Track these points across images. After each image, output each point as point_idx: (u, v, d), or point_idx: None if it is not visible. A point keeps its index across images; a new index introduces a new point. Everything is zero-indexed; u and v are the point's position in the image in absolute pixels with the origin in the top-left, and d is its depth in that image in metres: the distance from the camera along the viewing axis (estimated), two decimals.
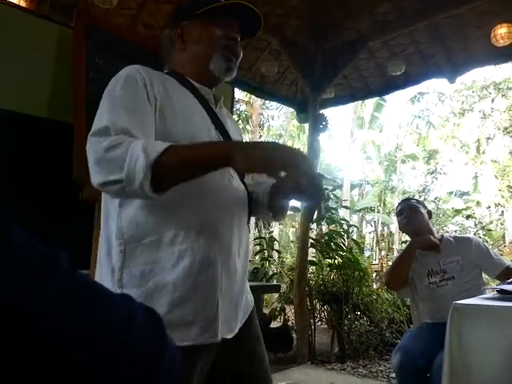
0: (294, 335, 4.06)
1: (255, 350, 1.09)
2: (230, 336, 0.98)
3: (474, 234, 9.11)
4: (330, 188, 4.96)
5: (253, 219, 7.12)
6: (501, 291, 1.62)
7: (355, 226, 5.67)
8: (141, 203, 0.90)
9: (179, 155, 0.82)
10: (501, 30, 3.60)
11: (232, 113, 3.21)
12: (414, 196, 12.04)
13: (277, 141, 16.20)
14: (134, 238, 0.89)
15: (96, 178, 0.84)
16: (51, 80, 1.95)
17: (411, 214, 2.35)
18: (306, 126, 5.15)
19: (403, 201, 2.55)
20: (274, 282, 5.28)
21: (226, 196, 0.98)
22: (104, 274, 0.93)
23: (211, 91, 1.10)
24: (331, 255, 4.24)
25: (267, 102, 13.16)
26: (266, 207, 1.12)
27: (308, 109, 4.32)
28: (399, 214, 2.43)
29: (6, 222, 0.30)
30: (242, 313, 1.05)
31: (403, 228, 2.48)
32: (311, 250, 4.61)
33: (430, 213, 2.44)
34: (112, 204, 0.94)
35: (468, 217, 12.51)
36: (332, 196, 4.62)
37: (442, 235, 2.39)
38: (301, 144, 15.93)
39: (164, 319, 0.89)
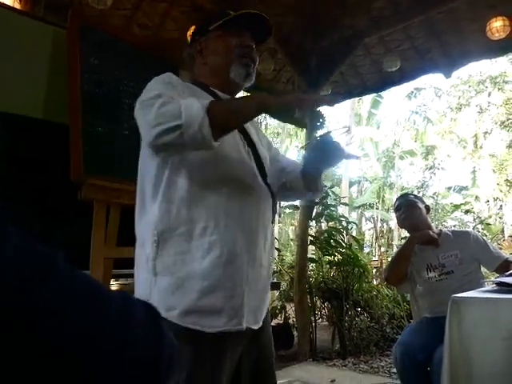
0: (295, 333, 4.07)
1: (269, 344, 1.17)
2: (255, 327, 1.05)
3: (473, 229, 9.11)
4: (329, 185, 4.96)
5: None
6: (500, 284, 1.62)
7: (354, 223, 5.68)
8: (173, 197, 0.98)
9: (226, 104, 0.98)
10: (496, 23, 3.60)
11: None
12: (412, 192, 12.05)
13: (274, 139, 16.20)
14: (166, 230, 0.97)
15: (154, 131, 0.90)
16: (46, 81, 1.94)
17: (409, 209, 2.35)
18: None
19: (401, 196, 2.56)
20: (274, 280, 5.28)
21: (252, 193, 1.06)
22: (139, 262, 1.02)
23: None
24: (331, 252, 4.24)
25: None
26: (302, 188, 1.24)
27: None
28: (397, 209, 2.44)
29: (3, 222, 0.30)
30: (267, 307, 1.13)
31: (401, 223, 2.48)
32: (311, 248, 4.61)
33: (427, 208, 2.44)
34: (148, 196, 1.02)
35: (467, 211, 12.53)
36: (331, 193, 4.62)
37: (441, 230, 2.39)
38: (299, 142, 15.93)
39: (195, 306, 0.91)
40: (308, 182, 1.24)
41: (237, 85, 1.18)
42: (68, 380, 0.31)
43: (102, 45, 2.07)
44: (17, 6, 2.80)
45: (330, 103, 1.00)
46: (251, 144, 1.14)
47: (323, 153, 1.15)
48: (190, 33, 1.40)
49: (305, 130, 4.46)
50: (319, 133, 1.18)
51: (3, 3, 2.44)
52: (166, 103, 0.91)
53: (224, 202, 1.00)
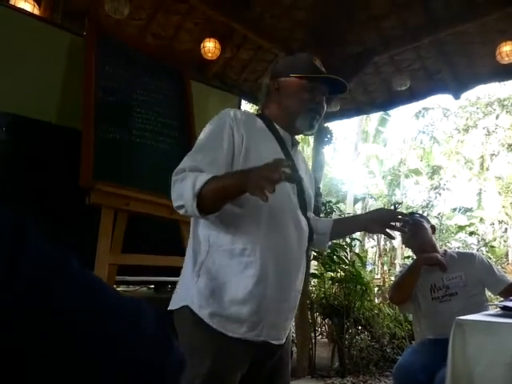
0: (294, 348, 4.03)
1: (287, 360, 1.28)
2: (275, 342, 1.16)
3: (477, 251, 9.04)
4: (334, 201, 4.96)
5: None
6: (504, 308, 1.61)
7: (358, 240, 5.65)
8: (221, 220, 1.12)
9: (212, 186, 1.03)
10: (505, 48, 3.63)
11: None
12: (417, 211, 11.99)
13: None
14: (215, 244, 1.13)
15: (173, 204, 1.10)
16: (61, 86, 1.98)
17: (415, 228, 2.34)
18: (311, 138, 5.17)
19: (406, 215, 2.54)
20: None
21: (289, 224, 1.18)
22: (187, 264, 1.18)
23: (291, 137, 1.31)
24: (333, 268, 4.21)
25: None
26: (326, 239, 1.39)
27: None
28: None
29: (25, 225, 0.31)
30: (290, 326, 1.26)
31: (407, 243, 2.47)
32: (313, 263, 4.59)
33: (433, 228, 2.43)
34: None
35: (471, 233, 12.43)
36: (335, 209, 4.62)
37: (446, 250, 2.38)
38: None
39: (224, 312, 1.05)
40: (335, 237, 1.45)
41: (299, 131, 1.32)
42: (73, 379, 0.31)
43: (117, 53, 2.10)
44: (36, 12, 2.87)
45: (291, 180, 0.99)
46: (298, 180, 1.25)
47: (389, 221, 1.31)
48: (274, 64, 1.47)
49: (312, 145, 4.48)
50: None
51: (23, 9, 2.50)
52: (179, 181, 1.08)
53: (263, 229, 1.13)
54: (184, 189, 1.05)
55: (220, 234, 1.14)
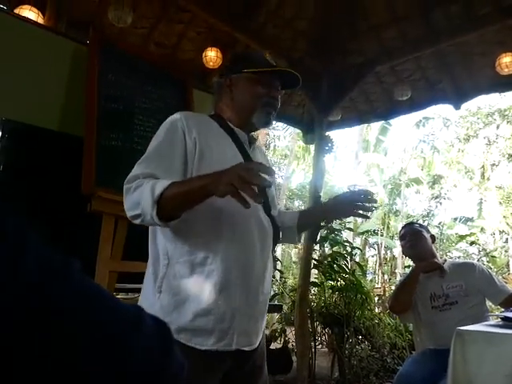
0: (294, 357, 4.00)
1: (262, 364, 1.24)
2: (248, 349, 1.13)
3: (478, 261, 9.01)
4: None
5: None
6: (505, 318, 1.61)
7: (358, 249, 5.64)
8: (180, 230, 1.09)
9: (173, 191, 0.99)
10: (505, 59, 3.65)
11: None
12: (417, 220, 11.98)
13: (282, 161, 16.28)
14: (174, 256, 1.09)
15: (127, 213, 1.07)
16: (64, 94, 1.99)
17: (415, 238, 2.34)
18: (312, 147, 5.19)
19: (406, 225, 2.55)
20: (276, 303, 5.23)
21: (251, 226, 1.15)
22: (148, 280, 1.15)
23: (246, 135, 1.27)
24: (334, 277, 4.20)
25: (274, 122, 13.25)
26: (294, 231, 1.35)
27: (314, 130, 4.36)
28: (402, 238, 2.43)
29: (25, 227, 0.32)
30: (262, 329, 1.21)
31: (406, 252, 2.47)
32: (313, 271, 4.57)
33: (433, 237, 2.43)
34: (157, 227, 1.13)
35: (472, 243, 12.41)
36: None
37: (446, 260, 2.38)
38: (306, 165, 15.99)
39: (189, 325, 1.00)
40: (301, 230, 1.38)
41: (255, 128, 1.28)
42: (75, 377, 0.32)
43: (120, 62, 2.12)
44: (40, 21, 2.90)
45: (266, 183, 0.92)
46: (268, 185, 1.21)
47: (348, 204, 1.26)
48: (225, 63, 1.43)
49: (312, 153, 4.49)
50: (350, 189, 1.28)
51: (27, 18, 2.53)
52: (134, 189, 1.04)
53: (224, 235, 1.10)
54: (141, 196, 1.01)
55: (178, 244, 1.10)
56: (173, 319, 1.05)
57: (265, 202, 1.22)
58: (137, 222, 1.06)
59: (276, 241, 1.27)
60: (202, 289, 1.07)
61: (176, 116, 1.18)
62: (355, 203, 1.25)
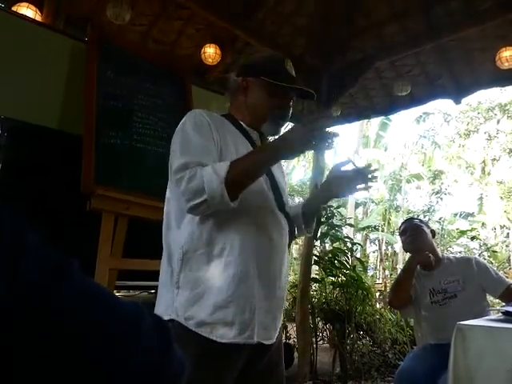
0: (296, 353, 4.01)
1: (279, 361, 1.25)
2: (267, 342, 1.13)
3: (479, 256, 9.02)
4: (335, 205, 4.95)
5: None
6: (506, 313, 1.60)
7: (359, 244, 5.64)
8: (197, 222, 1.10)
9: (240, 167, 1.04)
10: (505, 53, 3.64)
11: None
12: (418, 216, 11.97)
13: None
14: (191, 249, 1.09)
15: (188, 205, 1.06)
16: (63, 92, 1.99)
17: (415, 233, 2.34)
18: None
19: (406, 220, 2.55)
20: None
21: (268, 220, 1.16)
22: (164, 276, 1.15)
23: (258, 134, 1.28)
24: (334, 273, 4.21)
25: None
26: (302, 226, 1.34)
27: None
28: (403, 233, 2.43)
29: (24, 228, 0.32)
30: (279, 324, 1.21)
31: (407, 247, 2.46)
32: (314, 268, 4.58)
33: (433, 232, 2.43)
34: (173, 220, 1.15)
35: (473, 238, 12.40)
36: (336, 213, 4.62)
37: (443, 255, 2.37)
38: (306, 161, 15.98)
39: (209, 318, 1.03)
40: (307, 218, 1.35)
41: (264, 135, 1.29)
42: (75, 376, 0.32)
43: (119, 59, 2.12)
44: (38, 18, 2.89)
45: (330, 119, 1.02)
46: (271, 175, 1.23)
47: (343, 178, 1.25)
48: (241, 61, 1.39)
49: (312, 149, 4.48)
50: (332, 157, 1.24)
51: (25, 15, 2.52)
52: (192, 178, 1.04)
53: (241, 228, 1.11)
54: (203, 183, 1.02)
55: (195, 237, 1.10)
56: (193, 313, 1.06)
57: (279, 199, 1.23)
58: (199, 210, 1.06)
59: (292, 237, 1.28)
60: (220, 280, 1.07)
61: (197, 111, 1.19)
62: (358, 181, 1.24)
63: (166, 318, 1.09)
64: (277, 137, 1.28)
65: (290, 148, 1.05)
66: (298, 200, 16.29)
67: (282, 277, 1.19)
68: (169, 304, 1.09)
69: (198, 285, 1.07)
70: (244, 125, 1.26)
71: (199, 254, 1.08)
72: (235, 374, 1.10)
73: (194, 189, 1.03)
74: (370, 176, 1.22)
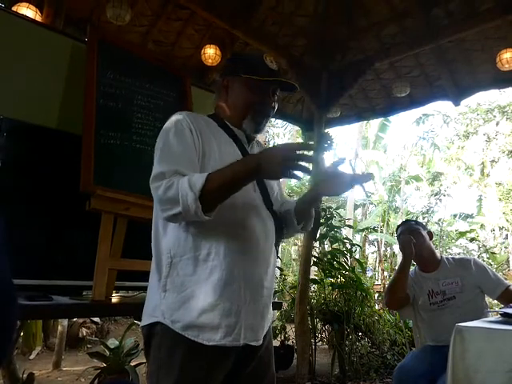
0: (295, 354, 4.01)
1: (269, 361, 1.25)
2: (254, 343, 1.14)
3: (478, 257, 9.02)
4: (334, 207, 4.96)
5: None
6: (504, 314, 1.61)
7: (358, 246, 5.64)
8: (182, 227, 1.12)
9: (216, 181, 1.01)
10: (506, 55, 3.64)
11: None
12: (417, 217, 11.98)
13: None
14: (177, 254, 1.11)
15: (163, 214, 1.07)
16: (63, 92, 1.99)
17: (413, 236, 2.33)
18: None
19: (403, 223, 2.53)
20: (276, 300, 5.23)
21: (252, 222, 1.16)
22: (152, 280, 1.17)
23: (244, 134, 1.27)
24: (333, 274, 4.21)
25: (273, 119, 13.28)
26: (294, 222, 1.31)
27: (314, 127, 4.35)
28: (399, 235, 2.42)
29: None
30: (268, 324, 1.22)
31: (403, 250, 2.46)
32: (313, 269, 4.58)
33: (430, 234, 2.42)
34: (160, 226, 1.17)
35: (472, 239, 12.42)
36: (336, 215, 4.62)
37: (442, 256, 2.37)
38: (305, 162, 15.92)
39: (196, 322, 1.05)
40: (300, 215, 1.32)
41: (246, 133, 1.27)
42: None
43: (119, 60, 2.11)
44: (38, 18, 2.89)
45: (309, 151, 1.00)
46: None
47: (337, 177, 1.21)
48: (225, 62, 1.42)
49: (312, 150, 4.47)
50: (330, 157, 1.21)
51: (25, 16, 2.52)
52: (168, 190, 1.03)
53: (226, 231, 1.12)
54: (179, 194, 1.01)
55: (181, 242, 1.11)
56: (180, 316, 1.07)
57: (265, 198, 1.23)
58: (175, 220, 1.08)
59: (280, 235, 1.28)
60: (206, 285, 1.08)
61: (179, 116, 1.18)
62: (353, 184, 1.21)
63: (153, 320, 1.11)
64: (258, 151, 1.27)
65: (267, 168, 1.00)
66: None
67: (268, 277, 1.19)
68: (156, 307, 1.11)
69: (185, 288, 1.09)
70: (229, 124, 1.26)
71: (186, 258, 1.10)
72: (223, 376, 1.12)
73: (170, 200, 1.03)
74: (364, 183, 1.21)
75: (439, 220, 12.74)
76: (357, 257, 5.73)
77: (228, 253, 1.10)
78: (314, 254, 4.52)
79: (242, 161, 1.10)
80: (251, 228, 1.16)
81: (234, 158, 1.15)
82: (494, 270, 2.38)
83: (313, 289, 4.58)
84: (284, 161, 0.97)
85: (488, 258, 10.66)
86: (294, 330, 4.13)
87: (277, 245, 1.27)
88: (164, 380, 1.06)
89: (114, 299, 1.88)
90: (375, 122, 14.71)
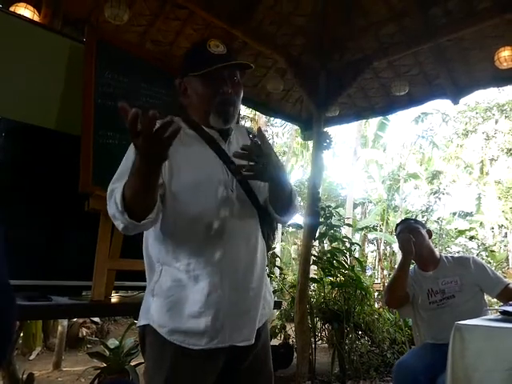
0: (294, 353, 4.01)
1: (265, 358, 1.26)
2: (242, 344, 1.14)
3: (477, 256, 9.03)
4: (333, 205, 4.96)
5: None
6: (504, 312, 1.61)
7: (358, 244, 5.64)
8: (160, 240, 1.14)
9: (127, 187, 1.00)
10: (504, 53, 3.64)
11: None
12: (416, 216, 11.99)
13: (280, 158, 16.29)
14: (165, 262, 1.14)
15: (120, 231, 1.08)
16: (61, 92, 1.99)
17: (412, 235, 2.33)
18: (310, 143, 5.18)
19: (402, 222, 2.54)
20: (275, 299, 5.22)
21: (228, 230, 1.12)
22: (147, 282, 1.20)
23: (217, 132, 1.21)
24: (333, 273, 4.21)
25: (272, 119, 13.29)
26: (273, 212, 1.23)
27: (312, 126, 4.35)
28: (399, 234, 2.42)
29: None
30: (259, 324, 1.21)
31: (402, 249, 2.46)
32: (313, 268, 4.58)
33: (429, 232, 2.42)
34: (149, 235, 1.19)
35: (471, 238, 12.44)
36: (335, 214, 4.62)
37: (441, 255, 2.38)
38: (304, 161, 15.98)
39: (182, 327, 1.08)
40: (272, 202, 1.22)
41: (217, 128, 1.21)
42: None
43: (117, 60, 2.11)
44: (36, 18, 2.88)
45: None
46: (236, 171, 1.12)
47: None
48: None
49: (311, 149, 4.49)
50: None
51: (23, 16, 2.51)
52: (109, 207, 1.05)
53: (203, 238, 1.11)
54: (112, 211, 1.02)
55: (163, 253, 1.14)
56: (166, 321, 1.10)
57: (248, 193, 1.18)
58: (129, 233, 1.07)
59: (270, 229, 1.26)
60: (191, 292, 1.10)
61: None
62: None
63: (145, 322, 1.15)
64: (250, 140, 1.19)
65: (148, 153, 0.93)
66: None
67: (255, 275, 1.17)
68: (148, 309, 1.15)
69: (172, 295, 1.11)
70: (201, 125, 1.21)
71: (172, 266, 1.13)
72: (215, 376, 1.14)
73: (112, 217, 1.05)
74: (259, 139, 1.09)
75: (438, 218, 12.77)
76: (356, 256, 5.74)
77: (208, 262, 1.10)
78: (314, 252, 4.52)
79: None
80: (228, 234, 1.12)
81: (206, 160, 1.15)
82: (494, 269, 2.38)
83: (312, 288, 4.59)
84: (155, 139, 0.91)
85: (487, 256, 10.68)
86: (293, 329, 4.13)
87: (269, 239, 1.26)
88: (156, 376, 1.10)
89: (114, 299, 1.89)
90: (374, 121, 14.73)
